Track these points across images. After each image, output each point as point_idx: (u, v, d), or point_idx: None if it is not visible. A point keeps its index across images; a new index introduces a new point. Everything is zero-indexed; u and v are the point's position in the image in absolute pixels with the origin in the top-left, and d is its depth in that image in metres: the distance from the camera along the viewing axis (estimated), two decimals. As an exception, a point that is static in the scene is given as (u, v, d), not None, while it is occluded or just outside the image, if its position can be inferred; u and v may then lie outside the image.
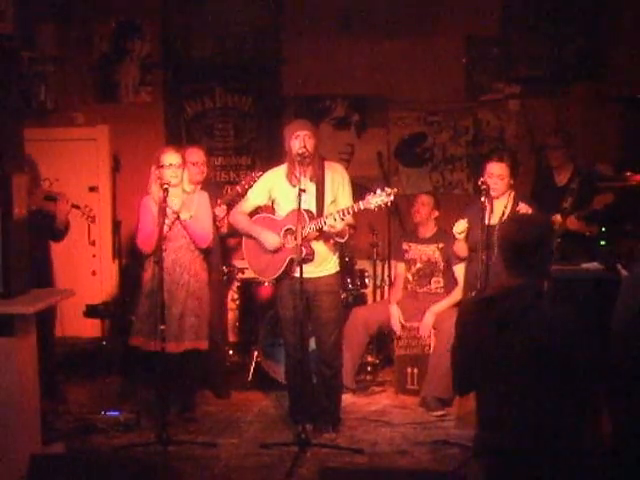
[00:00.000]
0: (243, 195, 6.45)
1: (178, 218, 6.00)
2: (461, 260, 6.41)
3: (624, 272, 5.43)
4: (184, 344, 6.06)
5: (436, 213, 7.05)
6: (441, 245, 6.88)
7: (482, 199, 5.76)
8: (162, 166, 5.96)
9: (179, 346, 6.03)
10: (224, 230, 6.69)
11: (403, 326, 6.93)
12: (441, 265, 6.97)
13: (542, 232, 3.83)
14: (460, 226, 6.01)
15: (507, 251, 3.83)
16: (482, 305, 3.89)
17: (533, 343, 3.63)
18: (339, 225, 5.71)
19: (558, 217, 6.63)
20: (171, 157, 6.00)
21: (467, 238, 6.06)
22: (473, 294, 5.95)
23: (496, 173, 5.90)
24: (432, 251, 7.01)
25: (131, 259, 8.32)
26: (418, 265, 7.08)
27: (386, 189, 5.62)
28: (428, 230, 7.08)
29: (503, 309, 3.74)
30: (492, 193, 5.88)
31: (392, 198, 5.62)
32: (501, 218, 5.84)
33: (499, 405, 3.76)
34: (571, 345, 3.63)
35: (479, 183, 5.86)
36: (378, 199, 5.59)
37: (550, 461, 3.66)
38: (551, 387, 3.65)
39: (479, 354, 3.81)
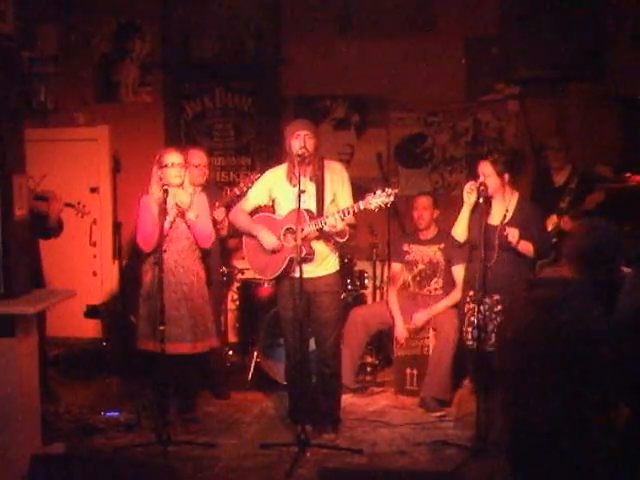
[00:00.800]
0: (242, 197, 6.45)
1: (183, 217, 5.99)
2: (460, 248, 6.34)
3: (626, 269, 5.43)
4: (196, 345, 6.04)
5: (437, 213, 7.03)
6: (442, 246, 6.87)
7: (480, 200, 5.77)
8: (165, 166, 5.93)
9: (183, 347, 6.01)
10: (223, 232, 6.70)
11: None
12: (442, 266, 6.96)
13: (609, 240, 3.97)
14: (470, 185, 5.97)
15: (572, 250, 4.02)
16: (532, 285, 4.10)
17: (562, 333, 3.74)
18: (340, 225, 5.71)
19: (554, 217, 6.64)
20: (174, 157, 5.99)
21: (469, 231, 6.03)
22: (471, 293, 5.95)
23: (480, 171, 5.91)
24: (433, 252, 6.99)
25: (131, 260, 8.32)
26: (420, 267, 7.05)
27: (386, 189, 5.62)
28: (430, 231, 7.06)
29: (547, 294, 3.90)
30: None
31: (392, 198, 5.62)
32: (503, 219, 5.83)
33: (531, 389, 3.86)
34: (595, 343, 3.73)
35: (478, 185, 5.86)
36: (378, 199, 5.60)
37: (576, 447, 3.77)
38: (573, 377, 3.74)
39: (521, 332, 3.94)
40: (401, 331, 6.92)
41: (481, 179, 5.86)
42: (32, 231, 6.32)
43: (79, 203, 6.96)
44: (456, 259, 6.66)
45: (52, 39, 8.64)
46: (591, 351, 3.74)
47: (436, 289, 7.01)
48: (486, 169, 5.88)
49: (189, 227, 6.03)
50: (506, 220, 5.83)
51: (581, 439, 3.78)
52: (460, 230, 6.10)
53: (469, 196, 5.95)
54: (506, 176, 5.89)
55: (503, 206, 5.92)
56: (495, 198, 5.92)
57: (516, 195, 6.00)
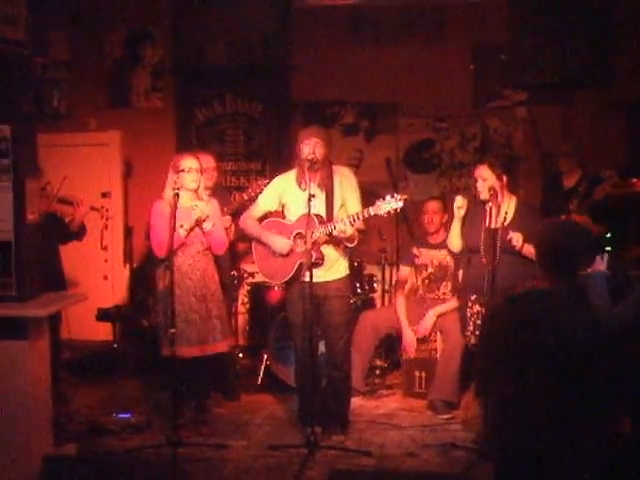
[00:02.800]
0: (250, 203, 6.48)
1: (200, 226, 5.98)
2: (461, 254, 6.37)
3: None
4: (214, 346, 6.06)
5: (446, 217, 7.03)
6: (452, 249, 6.90)
7: (489, 205, 5.78)
8: (182, 171, 5.93)
9: (204, 349, 6.02)
10: (231, 238, 6.71)
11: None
12: (452, 269, 6.99)
13: (583, 240, 3.95)
14: (459, 201, 5.97)
15: (545, 255, 3.98)
16: (508, 305, 4.05)
17: (552, 344, 3.76)
18: (349, 230, 5.73)
19: (563, 217, 6.65)
20: (190, 161, 5.99)
21: (465, 238, 6.04)
22: (473, 297, 5.93)
23: (478, 175, 5.90)
24: (444, 255, 7.01)
25: (142, 264, 8.38)
26: (430, 270, 7.08)
27: (396, 195, 5.64)
28: (439, 235, 7.07)
29: (529, 310, 3.89)
30: (480, 196, 5.92)
31: (402, 204, 5.64)
32: (503, 222, 5.82)
33: (518, 405, 3.89)
34: (589, 349, 3.75)
35: (487, 189, 5.85)
36: (388, 205, 5.62)
37: (568, 460, 3.77)
38: (569, 388, 3.77)
39: (503, 354, 3.96)
40: (410, 342, 6.96)
41: (479, 183, 5.87)
42: (53, 234, 6.47)
43: (102, 207, 7.04)
44: (462, 264, 6.67)
45: (64, 45, 8.74)
46: (582, 359, 3.74)
47: (445, 293, 7.02)
48: (484, 172, 5.87)
49: (205, 235, 6.05)
50: (506, 222, 5.81)
51: (570, 447, 3.78)
52: (455, 242, 6.11)
53: (459, 211, 5.96)
54: (505, 178, 5.89)
55: (502, 209, 5.89)
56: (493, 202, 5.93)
57: (514, 198, 5.97)
